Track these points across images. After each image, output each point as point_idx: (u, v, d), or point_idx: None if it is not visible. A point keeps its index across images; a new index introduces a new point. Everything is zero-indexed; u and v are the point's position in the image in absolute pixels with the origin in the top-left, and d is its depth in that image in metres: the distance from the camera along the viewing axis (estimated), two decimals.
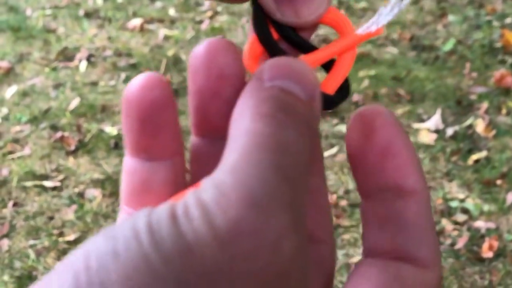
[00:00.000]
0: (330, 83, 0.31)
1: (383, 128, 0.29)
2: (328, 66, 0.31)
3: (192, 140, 0.32)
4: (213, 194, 0.23)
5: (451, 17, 3.40)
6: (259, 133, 0.24)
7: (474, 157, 2.37)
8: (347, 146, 0.30)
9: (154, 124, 0.29)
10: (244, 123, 0.25)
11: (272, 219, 0.22)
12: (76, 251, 0.23)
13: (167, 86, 0.29)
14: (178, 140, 0.30)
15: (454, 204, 2.15)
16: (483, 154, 2.39)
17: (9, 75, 2.89)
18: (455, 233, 2.05)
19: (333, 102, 0.31)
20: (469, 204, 2.15)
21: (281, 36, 0.31)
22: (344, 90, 0.31)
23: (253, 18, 0.31)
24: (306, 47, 0.31)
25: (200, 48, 0.29)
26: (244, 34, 3.27)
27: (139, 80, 0.29)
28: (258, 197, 0.23)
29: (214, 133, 0.31)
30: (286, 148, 0.24)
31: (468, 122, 2.55)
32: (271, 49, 0.31)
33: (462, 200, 2.17)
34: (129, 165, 0.31)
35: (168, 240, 0.21)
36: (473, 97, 2.71)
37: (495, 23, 3.33)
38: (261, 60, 0.31)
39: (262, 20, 0.31)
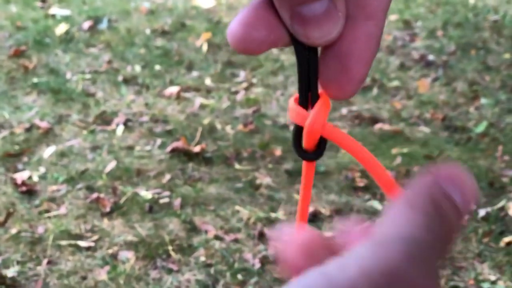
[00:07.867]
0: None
1: None
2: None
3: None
4: (370, 249, 0.24)
5: (483, 100, 3.44)
6: (412, 238, 0.25)
7: (506, 239, 2.37)
8: None
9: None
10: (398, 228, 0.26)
11: (433, 279, 0.24)
12: None
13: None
14: None
15: (485, 286, 2.14)
16: None
17: (48, 135, 2.95)
18: None
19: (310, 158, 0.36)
20: (501, 286, 2.14)
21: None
22: (321, 149, 0.35)
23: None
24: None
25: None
26: (278, 107, 3.32)
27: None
28: (417, 253, 0.24)
29: None
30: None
31: (500, 204, 2.56)
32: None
33: (493, 282, 2.16)
34: None
35: None
36: (505, 179, 2.72)
37: None
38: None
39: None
